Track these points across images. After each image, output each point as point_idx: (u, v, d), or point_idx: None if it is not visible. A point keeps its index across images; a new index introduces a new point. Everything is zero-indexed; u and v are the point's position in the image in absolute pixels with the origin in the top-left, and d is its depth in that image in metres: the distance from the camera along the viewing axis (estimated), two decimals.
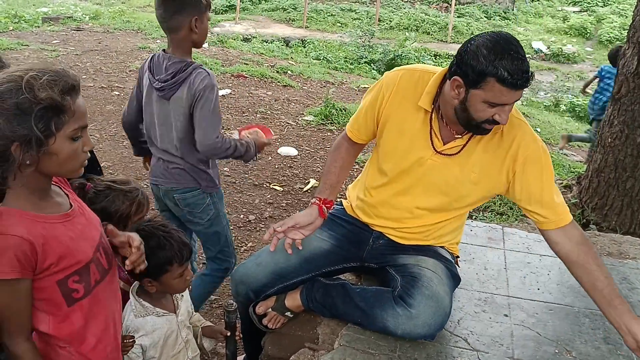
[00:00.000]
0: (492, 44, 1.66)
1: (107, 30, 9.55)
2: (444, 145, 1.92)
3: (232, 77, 7.27)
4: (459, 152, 1.91)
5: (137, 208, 1.90)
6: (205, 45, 9.10)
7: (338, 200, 2.33)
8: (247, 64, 8.03)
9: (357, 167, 4.70)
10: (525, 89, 1.72)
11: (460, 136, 1.90)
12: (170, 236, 1.76)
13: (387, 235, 2.11)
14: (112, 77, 6.74)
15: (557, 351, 1.98)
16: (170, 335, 1.82)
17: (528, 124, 1.92)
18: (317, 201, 2.04)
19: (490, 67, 1.64)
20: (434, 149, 1.92)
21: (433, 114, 1.91)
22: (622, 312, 1.74)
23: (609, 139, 3.83)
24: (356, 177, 2.33)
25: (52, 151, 1.24)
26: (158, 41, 8.88)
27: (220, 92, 6.57)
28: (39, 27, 10.06)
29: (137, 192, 1.93)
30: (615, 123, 3.79)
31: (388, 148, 2.00)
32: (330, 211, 2.24)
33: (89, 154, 1.34)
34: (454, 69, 1.75)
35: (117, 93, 6.19)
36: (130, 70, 7.06)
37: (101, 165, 4.29)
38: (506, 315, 2.15)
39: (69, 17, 10.92)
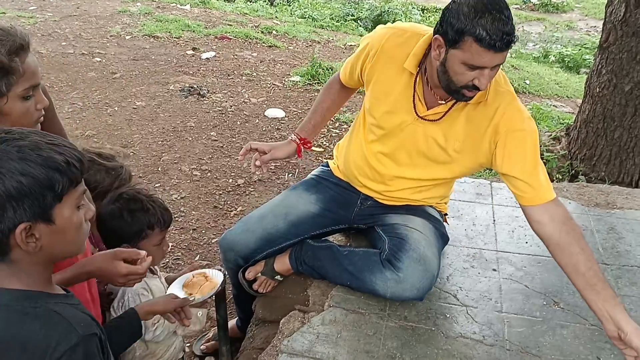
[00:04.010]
0: (474, 1, 1.58)
1: None
2: (427, 110, 1.86)
3: (216, 39, 7.11)
4: (440, 118, 1.85)
5: (120, 185, 1.84)
6: (187, 7, 8.89)
7: (324, 161, 2.31)
8: (230, 25, 7.83)
9: (345, 126, 4.66)
10: (511, 47, 1.63)
11: (443, 102, 1.84)
12: (152, 200, 1.76)
13: (373, 198, 2.10)
14: (92, 43, 6.57)
15: (544, 303, 2.01)
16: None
17: (515, 95, 1.83)
18: (297, 140, 2.06)
19: (469, 26, 1.56)
20: (417, 113, 1.87)
21: (418, 78, 1.84)
22: (605, 298, 1.63)
23: (597, 89, 3.79)
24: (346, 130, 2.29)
25: (4, 111, 1.23)
26: (138, 4, 8.63)
27: (205, 55, 6.44)
28: None
29: (121, 170, 1.86)
30: (603, 72, 3.75)
31: (373, 108, 1.96)
32: (316, 173, 2.22)
33: (43, 111, 1.33)
34: (437, 27, 1.68)
35: (98, 59, 6.04)
36: (111, 36, 6.88)
37: (85, 133, 4.30)
38: (494, 270, 2.17)
39: None
